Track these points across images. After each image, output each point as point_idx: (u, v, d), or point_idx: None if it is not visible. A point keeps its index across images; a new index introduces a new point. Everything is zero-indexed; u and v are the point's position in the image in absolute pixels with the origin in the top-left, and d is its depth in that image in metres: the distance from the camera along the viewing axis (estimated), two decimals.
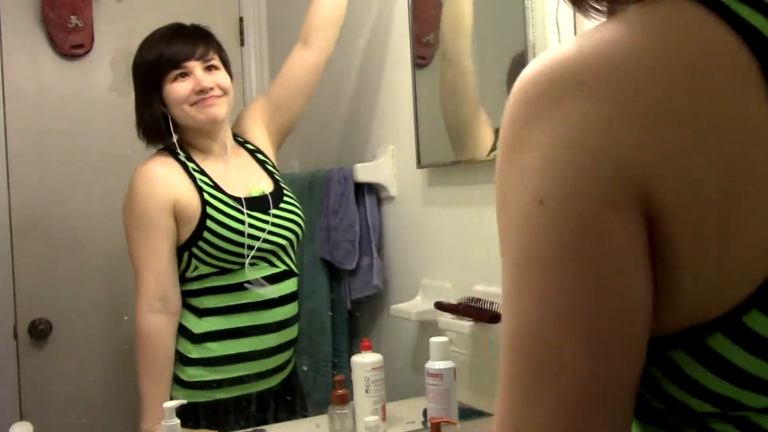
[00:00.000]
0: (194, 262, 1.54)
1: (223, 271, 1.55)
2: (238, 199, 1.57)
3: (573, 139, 0.46)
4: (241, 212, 1.55)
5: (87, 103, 2.20)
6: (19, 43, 2.13)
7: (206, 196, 1.54)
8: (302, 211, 1.68)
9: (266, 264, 1.59)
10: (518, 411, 0.48)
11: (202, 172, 1.57)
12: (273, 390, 1.63)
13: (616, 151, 0.45)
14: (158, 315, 1.50)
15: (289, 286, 1.63)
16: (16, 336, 2.09)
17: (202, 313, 1.56)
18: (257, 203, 1.60)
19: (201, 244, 1.52)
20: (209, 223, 1.52)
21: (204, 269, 1.54)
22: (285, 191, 1.67)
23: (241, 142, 1.70)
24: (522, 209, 0.47)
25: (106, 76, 2.22)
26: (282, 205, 1.63)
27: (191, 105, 1.55)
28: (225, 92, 1.59)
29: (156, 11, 2.00)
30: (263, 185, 1.64)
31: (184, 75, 1.55)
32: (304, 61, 1.73)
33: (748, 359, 0.44)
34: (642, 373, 0.47)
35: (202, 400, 1.54)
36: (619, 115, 0.45)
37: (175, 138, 1.58)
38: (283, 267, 1.62)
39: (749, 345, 0.44)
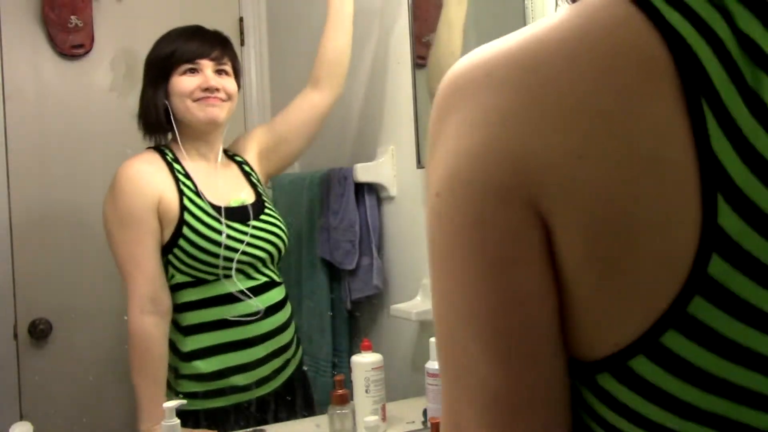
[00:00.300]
0: (170, 270, 1.52)
1: (200, 282, 1.53)
2: (217, 208, 1.54)
3: (474, 131, 0.45)
4: (220, 222, 1.53)
5: (87, 103, 2.19)
6: (19, 43, 2.13)
7: (186, 201, 1.52)
8: (285, 224, 1.66)
9: (243, 276, 1.55)
10: (446, 406, 0.48)
11: (187, 176, 1.55)
12: (273, 393, 1.61)
13: (516, 144, 0.44)
14: (150, 316, 1.48)
15: (273, 296, 1.60)
16: (16, 336, 2.09)
17: (186, 330, 1.54)
18: (237, 213, 1.57)
19: (177, 251, 1.50)
20: (185, 230, 1.50)
21: (180, 278, 1.52)
22: (266, 204, 1.65)
23: (231, 155, 1.69)
24: (429, 201, 0.48)
25: (106, 76, 2.22)
26: (262, 217, 1.61)
27: (194, 101, 1.54)
28: (229, 97, 1.58)
29: (156, 11, 2.00)
30: (243, 196, 1.62)
31: (194, 71, 1.55)
32: (311, 103, 1.73)
33: (671, 381, 0.42)
34: (564, 381, 0.46)
35: (199, 408, 1.53)
36: (521, 109, 0.44)
37: (170, 136, 1.58)
38: (263, 279, 1.59)
39: (670, 366, 0.42)
